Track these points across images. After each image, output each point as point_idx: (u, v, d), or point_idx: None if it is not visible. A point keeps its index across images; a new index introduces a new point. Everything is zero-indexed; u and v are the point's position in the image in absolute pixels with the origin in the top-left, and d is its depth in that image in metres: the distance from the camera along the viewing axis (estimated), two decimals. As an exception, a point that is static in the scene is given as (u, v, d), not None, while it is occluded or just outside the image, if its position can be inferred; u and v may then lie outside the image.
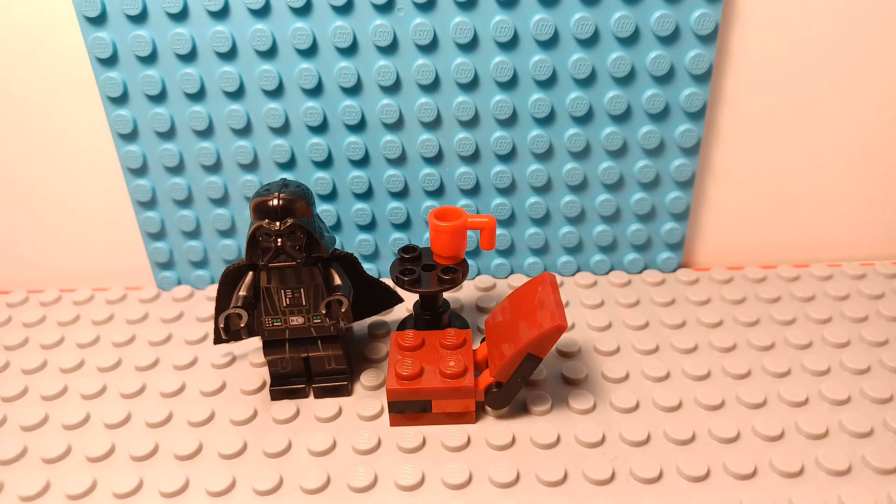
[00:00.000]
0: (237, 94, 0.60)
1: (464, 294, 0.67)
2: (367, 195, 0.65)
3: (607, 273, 0.69)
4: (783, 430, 0.51)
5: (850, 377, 0.56)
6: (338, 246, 0.64)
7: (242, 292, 0.51)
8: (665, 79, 0.60)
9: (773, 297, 0.65)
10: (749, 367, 0.56)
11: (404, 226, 0.67)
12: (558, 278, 0.68)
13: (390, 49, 0.58)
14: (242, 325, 0.49)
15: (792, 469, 0.48)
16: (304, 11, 0.57)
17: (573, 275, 0.69)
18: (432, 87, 0.60)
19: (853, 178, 0.68)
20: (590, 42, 0.58)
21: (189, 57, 0.58)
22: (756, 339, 0.59)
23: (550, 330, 0.48)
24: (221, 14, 0.57)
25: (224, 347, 0.60)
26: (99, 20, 0.57)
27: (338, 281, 0.52)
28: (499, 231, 0.67)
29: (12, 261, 0.70)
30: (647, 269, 0.69)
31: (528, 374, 0.50)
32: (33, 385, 0.57)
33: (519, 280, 0.68)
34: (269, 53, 0.58)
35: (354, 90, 0.60)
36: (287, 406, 0.54)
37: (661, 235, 0.68)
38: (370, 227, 0.66)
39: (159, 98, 0.60)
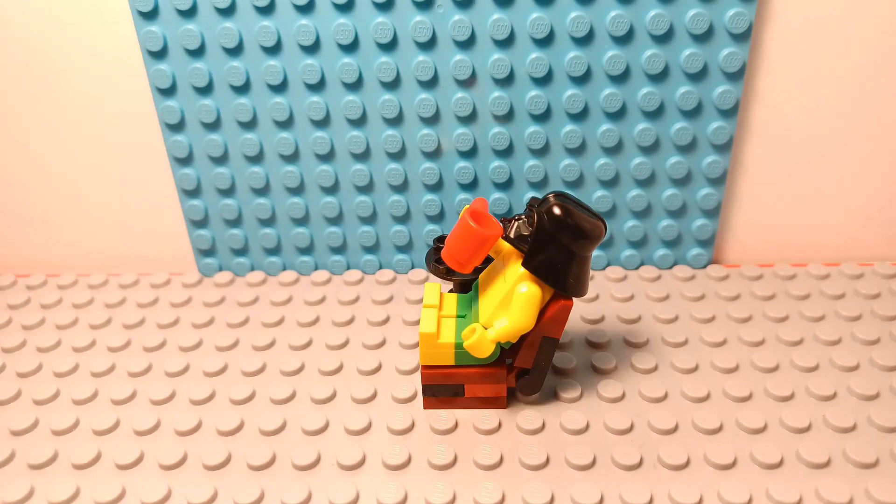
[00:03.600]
0: (281, 87, 0.62)
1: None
2: (402, 187, 0.66)
3: (637, 268, 0.70)
4: (810, 422, 0.51)
5: (880, 373, 0.56)
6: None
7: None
8: (698, 76, 0.61)
9: (803, 294, 0.65)
10: (777, 361, 0.57)
11: (438, 218, 0.68)
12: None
13: (429, 45, 0.60)
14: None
15: (819, 460, 0.48)
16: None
17: (603, 269, 0.70)
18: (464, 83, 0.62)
19: (885, 177, 0.68)
20: (624, 39, 0.60)
21: (236, 51, 0.60)
22: (785, 334, 0.60)
23: (556, 311, 0.49)
24: (267, 10, 0.59)
25: (264, 332, 0.62)
26: (151, 14, 0.59)
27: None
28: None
29: (62, 245, 0.73)
30: (677, 264, 0.70)
31: (549, 357, 0.51)
32: (83, 363, 0.60)
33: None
34: (313, 48, 0.60)
35: (393, 85, 0.62)
36: (324, 387, 0.55)
37: (691, 231, 0.69)
38: (404, 218, 0.68)
39: (206, 90, 0.62)
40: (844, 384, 0.55)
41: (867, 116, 0.65)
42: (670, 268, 0.70)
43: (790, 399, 0.54)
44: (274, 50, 0.60)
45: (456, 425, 0.52)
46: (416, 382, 0.56)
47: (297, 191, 0.67)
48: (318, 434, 0.52)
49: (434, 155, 0.65)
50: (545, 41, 0.60)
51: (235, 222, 0.69)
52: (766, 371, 0.56)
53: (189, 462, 0.50)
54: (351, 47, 0.60)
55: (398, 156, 0.65)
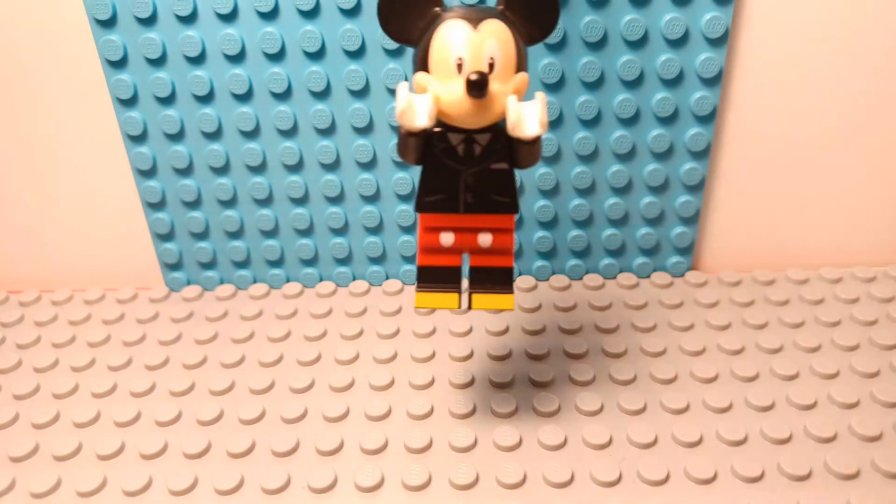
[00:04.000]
0: (246, 96, 0.60)
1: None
2: (375, 197, 0.65)
3: (615, 277, 0.69)
4: (791, 433, 0.51)
5: (860, 380, 0.56)
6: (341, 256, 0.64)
7: None
8: (675, 82, 0.60)
9: (782, 300, 0.64)
10: (757, 370, 0.56)
11: (411, 228, 0.67)
12: (565, 280, 0.68)
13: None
14: None
15: (800, 472, 0.47)
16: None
17: (581, 278, 0.69)
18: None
19: (864, 182, 0.67)
20: (598, 45, 0.59)
21: (198, 59, 0.59)
22: (764, 341, 0.59)
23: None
24: (230, 17, 0.57)
25: (234, 348, 0.60)
26: (109, 23, 0.57)
27: None
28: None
29: (25, 261, 0.71)
30: (656, 272, 0.69)
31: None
32: (45, 383, 0.58)
33: (525, 282, 0.68)
34: (278, 56, 0.59)
35: (362, 93, 0.60)
36: (295, 406, 0.54)
37: (670, 239, 0.68)
38: (377, 229, 0.67)
39: (169, 100, 0.60)
40: (824, 392, 0.54)
41: (846, 121, 0.64)
42: (649, 276, 0.69)
43: (770, 409, 0.53)
44: (237, 58, 0.59)
45: (431, 443, 0.51)
46: (389, 399, 0.54)
47: (266, 202, 0.65)
48: (287, 455, 0.50)
49: (407, 164, 0.63)
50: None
51: (203, 235, 0.67)
52: (746, 380, 0.56)
53: (154, 487, 0.48)
54: (317, 55, 0.59)
55: (369, 165, 0.64)
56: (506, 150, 0.40)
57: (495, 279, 0.44)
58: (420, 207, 0.42)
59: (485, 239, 0.43)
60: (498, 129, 0.39)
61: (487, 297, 0.44)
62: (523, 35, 0.39)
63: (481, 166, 0.40)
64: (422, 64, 0.38)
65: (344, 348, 0.60)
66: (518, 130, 0.38)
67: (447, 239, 0.43)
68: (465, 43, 0.37)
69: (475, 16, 0.37)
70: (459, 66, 0.37)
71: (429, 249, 0.43)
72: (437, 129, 0.39)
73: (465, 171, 0.40)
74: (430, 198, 0.41)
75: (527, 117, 0.38)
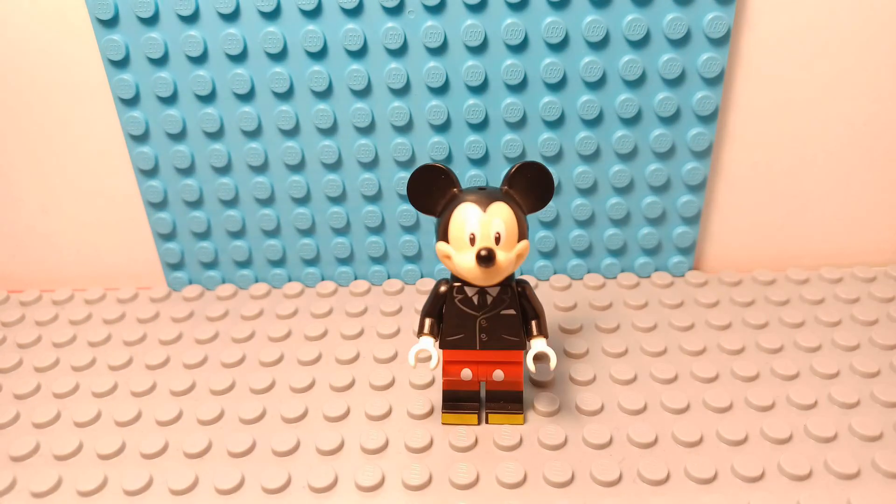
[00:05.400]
0: (248, 96, 0.60)
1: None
2: (376, 197, 0.65)
3: (616, 277, 0.69)
4: (792, 433, 0.51)
5: (860, 380, 0.56)
6: (343, 255, 0.64)
7: None
8: (677, 81, 0.60)
9: (783, 300, 0.64)
10: (758, 370, 0.56)
11: (413, 228, 0.67)
12: (566, 280, 0.68)
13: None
14: None
15: (800, 472, 0.47)
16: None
17: (581, 278, 0.69)
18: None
19: (864, 182, 0.67)
20: (600, 45, 0.59)
21: (200, 59, 0.59)
22: (765, 341, 0.59)
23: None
24: (232, 17, 0.57)
25: (234, 348, 0.61)
26: (111, 22, 0.57)
27: None
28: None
29: (26, 260, 0.71)
30: (657, 272, 0.69)
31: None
32: (46, 383, 0.58)
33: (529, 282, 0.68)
34: (280, 56, 0.59)
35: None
36: (295, 405, 0.54)
37: (672, 239, 0.68)
38: (379, 229, 0.67)
39: (171, 100, 0.60)
40: (824, 392, 0.54)
41: (847, 121, 0.64)
42: (650, 276, 0.69)
43: (770, 409, 0.53)
44: (239, 58, 0.59)
45: (431, 443, 0.51)
46: (389, 398, 0.54)
47: (268, 202, 0.65)
48: (289, 455, 0.50)
49: (409, 164, 0.64)
50: (519, 47, 0.59)
51: (204, 235, 0.67)
52: (746, 380, 0.56)
53: (154, 487, 0.48)
54: (319, 55, 0.59)
55: (371, 165, 0.64)
56: (513, 299, 0.48)
57: (508, 401, 0.52)
58: (443, 345, 0.49)
59: (498, 374, 0.50)
60: (506, 283, 0.47)
61: (501, 416, 0.52)
62: (524, 207, 0.47)
63: (493, 312, 0.48)
64: (443, 235, 0.45)
65: (344, 348, 0.60)
66: (545, 361, 0.52)
67: (466, 374, 0.51)
68: (477, 223, 0.44)
69: (484, 199, 0.45)
70: (472, 240, 0.44)
71: (451, 379, 0.51)
72: (456, 284, 0.48)
73: (480, 317, 0.48)
74: (451, 337, 0.49)
75: (552, 359, 0.49)
